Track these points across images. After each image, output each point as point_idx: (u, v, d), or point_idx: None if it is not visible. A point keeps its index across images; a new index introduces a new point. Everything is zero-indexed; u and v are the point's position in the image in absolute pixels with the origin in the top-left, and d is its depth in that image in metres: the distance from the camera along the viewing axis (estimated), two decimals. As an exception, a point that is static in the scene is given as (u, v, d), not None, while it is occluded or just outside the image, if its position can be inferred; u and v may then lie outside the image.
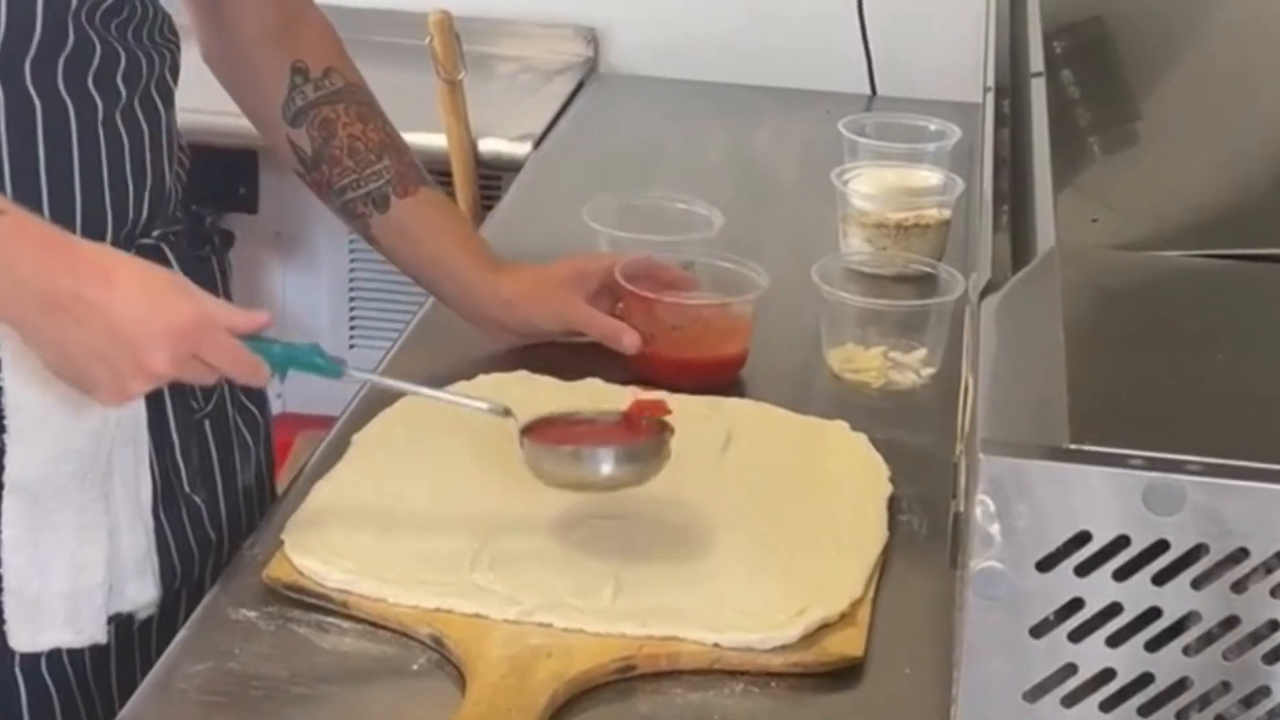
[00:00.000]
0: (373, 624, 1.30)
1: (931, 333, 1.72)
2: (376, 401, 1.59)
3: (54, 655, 1.39)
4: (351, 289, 2.91)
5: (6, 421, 1.32)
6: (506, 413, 1.38)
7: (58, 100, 1.36)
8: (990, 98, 1.62)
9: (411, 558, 1.34)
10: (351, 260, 2.90)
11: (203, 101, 2.45)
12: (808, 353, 1.75)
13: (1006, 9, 1.88)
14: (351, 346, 2.92)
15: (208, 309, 1.29)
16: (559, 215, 2.06)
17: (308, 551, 1.34)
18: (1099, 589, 0.95)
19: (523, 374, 1.64)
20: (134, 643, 1.46)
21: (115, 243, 1.40)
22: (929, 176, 2.00)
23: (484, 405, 1.39)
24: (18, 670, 1.38)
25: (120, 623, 1.41)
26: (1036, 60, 1.63)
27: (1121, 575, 0.94)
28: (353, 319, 2.93)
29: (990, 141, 1.50)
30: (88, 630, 1.36)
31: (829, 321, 1.74)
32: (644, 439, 1.38)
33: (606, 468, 1.36)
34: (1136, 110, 1.57)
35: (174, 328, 1.25)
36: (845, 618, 1.30)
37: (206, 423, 1.51)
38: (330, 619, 1.31)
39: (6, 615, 1.34)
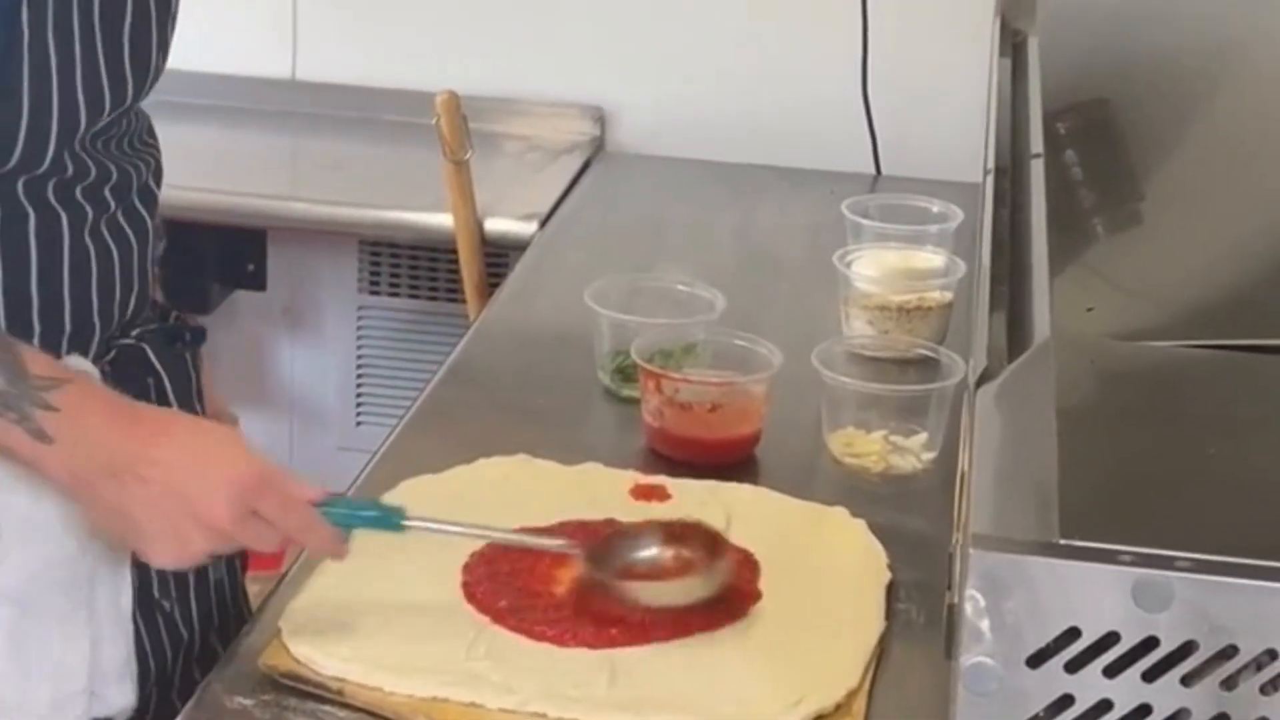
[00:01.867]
0: (369, 712, 1.30)
1: (933, 417, 1.73)
2: (378, 485, 1.60)
3: None
4: (359, 366, 2.92)
5: None
6: (577, 548, 1.40)
7: (49, 210, 1.36)
8: (990, 180, 1.63)
9: (408, 645, 1.34)
10: (359, 337, 2.91)
11: (211, 181, 2.49)
12: (809, 436, 1.75)
13: (1009, 90, 1.89)
14: (359, 424, 2.93)
15: (263, 465, 1.31)
16: (563, 295, 2.06)
17: (305, 639, 1.34)
18: (1089, 686, 0.94)
19: (523, 457, 1.64)
20: None
21: (100, 344, 1.42)
22: (932, 258, 2.01)
23: (558, 544, 1.41)
24: None
25: None
26: (1037, 141, 1.64)
27: (1111, 672, 0.94)
28: (359, 396, 2.93)
29: (989, 225, 1.50)
30: None
31: (829, 405, 1.74)
32: (711, 560, 1.40)
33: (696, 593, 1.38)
34: (1137, 193, 1.57)
35: (233, 479, 1.28)
36: (841, 708, 1.30)
37: None
38: (326, 707, 1.31)
39: None
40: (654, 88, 2.79)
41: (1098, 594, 0.93)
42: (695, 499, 1.56)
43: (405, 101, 2.75)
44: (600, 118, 2.81)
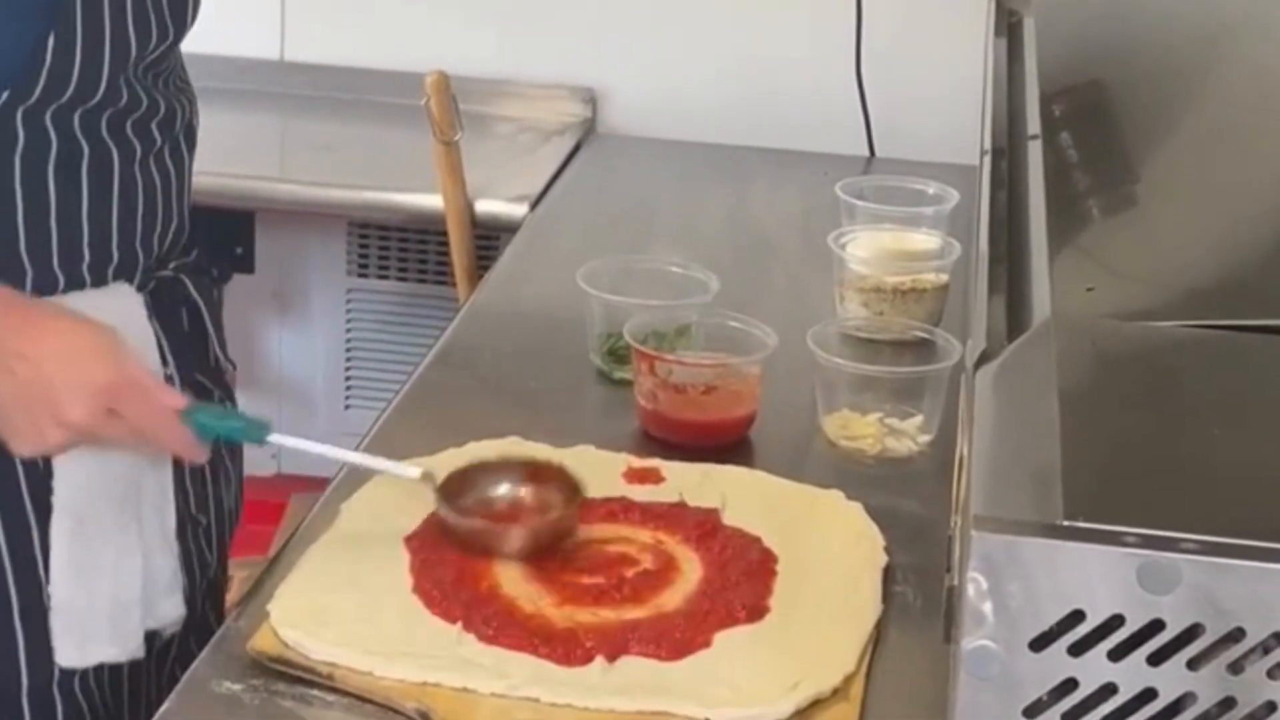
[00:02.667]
0: (358, 697, 1.28)
1: (928, 399, 1.71)
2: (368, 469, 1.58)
3: (83, 674, 1.43)
4: (348, 349, 2.90)
5: None
6: (426, 478, 1.42)
7: (102, 145, 1.42)
8: (987, 161, 1.61)
9: (399, 629, 1.32)
10: (348, 320, 2.89)
11: (200, 163, 2.46)
12: (804, 419, 1.74)
13: (1004, 71, 1.87)
14: (347, 407, 2.91)
15: (131, 371, 1.34)
16: (555, 277, 2.05)
17: (294, 623, 1.32)
18: (1093, 669, 0.93)
19: (515, 439, 1.62)
20: (151, 660, 1.50)
21: (142, 274, 1.47)
22: (927, 240, 1.99)
23: (402, 471, 1.43)
24: (55, 690, 1.42)
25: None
26: (1034, 123, 1.62)
27: (1116, 655, 0.93)
28: (349, 379, 2.91)
29: (986, 206, 1.49)
30: (129, 646, 1.43)
31: (825, 387, 1.72)
32: (546, 516, 1.43)
33: (512, 545, 1.39)
34: (1136, 174, 1.56)
35: (95, 382, 1.32)
36: (838, 692, 1.28)
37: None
38: (315, 692, 1.29)
39: (55, 632, 1.40)
40: (645, 69, 2.77)
41: (1102, 576, 0.92)
42: (690, 481, 1.54)
43: (394, 82, 2.73)
44: (591, 99, 2.78)
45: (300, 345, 2.92)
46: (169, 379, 1.48)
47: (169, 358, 1.50)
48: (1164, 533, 0.92)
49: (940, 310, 1.92)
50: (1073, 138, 1.60)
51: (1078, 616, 0.93)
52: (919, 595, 1.44)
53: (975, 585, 0.93)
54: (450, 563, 1.39)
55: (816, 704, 1.27)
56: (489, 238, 2.52)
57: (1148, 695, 0.93)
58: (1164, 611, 0.92)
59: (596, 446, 1.62)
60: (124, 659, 1.43)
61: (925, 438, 1.70)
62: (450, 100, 2.40)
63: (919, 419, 1.71)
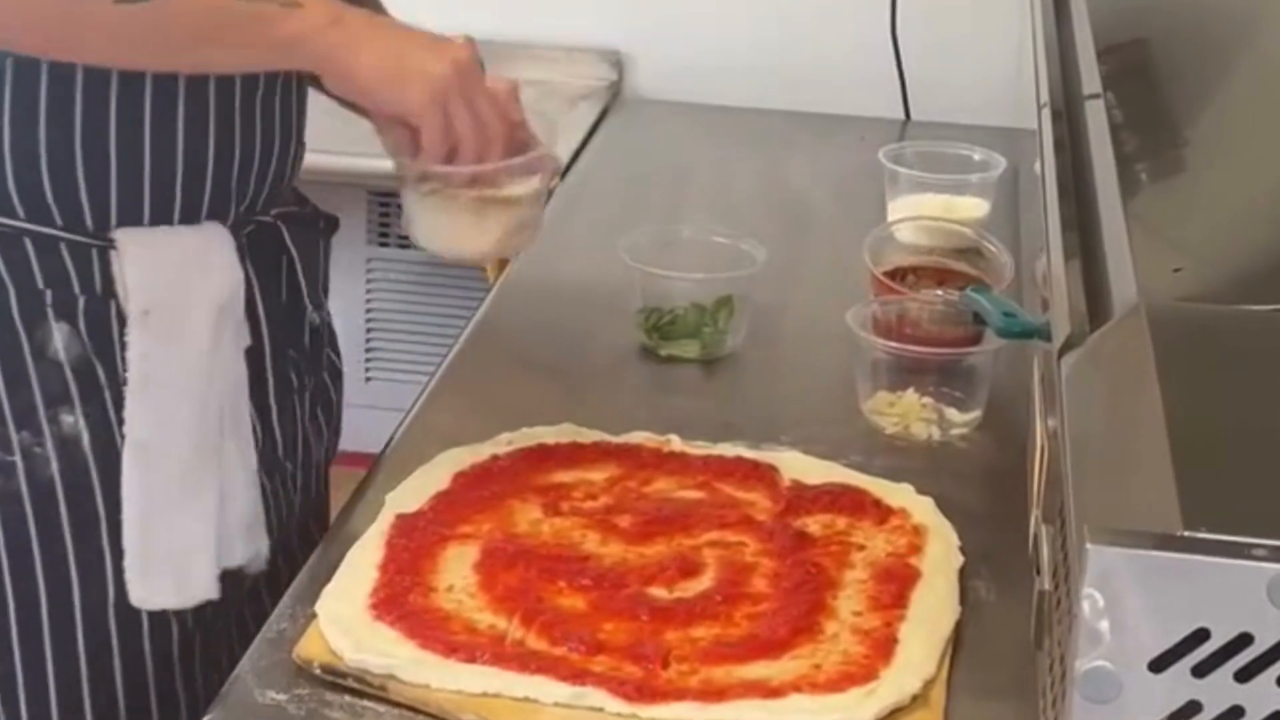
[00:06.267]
0: (412, 709, 1.21)
1: (975, 380, 1.63)
2: (408, 455, 1.51)
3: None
4: (368, 319, 2.84)
5: (129, 381, 1.38)
6: None
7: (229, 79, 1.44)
8: (1046, 115, 1.53)
9: (454, 635, 1.25)
10: (368, 290, 2.83)
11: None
12: (845, 402, 1.66)
13: (1053, 27, 1.80)
14: (368, 379, 2.85)
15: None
16: (590, 249, 1.99)
17: (342, 628, 1.26)
18: (1219, 691, 0.87)
19: (568, 426, 1.55)
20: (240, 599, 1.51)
21: (238, 216, 1.46)
22: (975, 207, 1.92)
23: None
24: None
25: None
26: (1091, 82, 1.55)
27: (1244, 676, 0.87)
28: (369, 350, 2.85)
29: (1052, 171, 1.41)
30: (193, 593, 1.42)
31: (865, 369, 1.65)
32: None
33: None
34: (1208, 139, 1.49)
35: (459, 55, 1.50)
36: (918, 699, 1.22)
37: (295, 397, 1.55)
38: (365, 702, 1.22)
39: (127, 571, 1.40)
40: (672, 30, 2.70)
41: (1228, 592, 0.86)
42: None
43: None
44: (618, 61, 2.71)
45: (320, 316, 2.85)
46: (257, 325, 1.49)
47: (259, 302, 1.49)
48: (1296, 544, 0.86)
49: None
50: (1134, 98, 1.53)
51: (1201, 635, 0.87)
52: (992, 589, 1.37)
53: (1091, 602, 0.87)
54: (515, 565, 1.33)
55: (896, 712, 1.20)
56: (514, 206, 2.45)
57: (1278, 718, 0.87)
58: (1296, 629, 0.85)
59: (649, 431, 1.55)
60: (188, 605, 1.42)
61: (972, 419, 1.63)
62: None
63: (965, 401, 1.64)
